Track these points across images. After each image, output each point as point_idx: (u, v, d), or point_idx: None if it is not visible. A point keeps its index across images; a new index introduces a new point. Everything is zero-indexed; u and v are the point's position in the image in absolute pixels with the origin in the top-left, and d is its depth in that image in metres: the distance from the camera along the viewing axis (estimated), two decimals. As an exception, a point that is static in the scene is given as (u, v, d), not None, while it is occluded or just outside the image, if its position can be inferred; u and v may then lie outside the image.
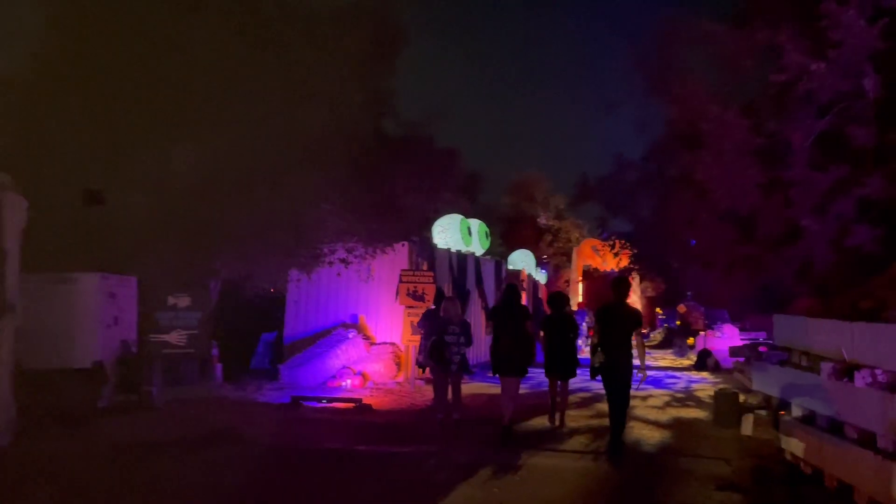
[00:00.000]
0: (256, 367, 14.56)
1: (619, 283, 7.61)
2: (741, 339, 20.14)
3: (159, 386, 10.79)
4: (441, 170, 13.12)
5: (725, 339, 21.61)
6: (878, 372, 4.36)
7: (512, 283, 10.51)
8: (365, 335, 13.69)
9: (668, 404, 12.03)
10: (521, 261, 22.48)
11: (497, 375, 8.85)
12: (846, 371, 4.79)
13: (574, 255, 36.37)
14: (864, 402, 4.53)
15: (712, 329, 21.20)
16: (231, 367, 13.32)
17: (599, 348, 7.29)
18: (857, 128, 6.59)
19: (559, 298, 10.10)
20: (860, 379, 4.45)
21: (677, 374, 17.22)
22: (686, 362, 20.42)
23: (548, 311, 10.24)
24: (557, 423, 9.62)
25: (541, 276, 28.30)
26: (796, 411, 5.76)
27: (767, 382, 6.37)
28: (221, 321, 13.18)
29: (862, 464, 4.58)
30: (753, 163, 7.48)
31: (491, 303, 17.15)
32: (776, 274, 7.88)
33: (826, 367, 4.96)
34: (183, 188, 10.32)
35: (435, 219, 15.90)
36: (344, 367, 12.99)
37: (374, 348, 13.44)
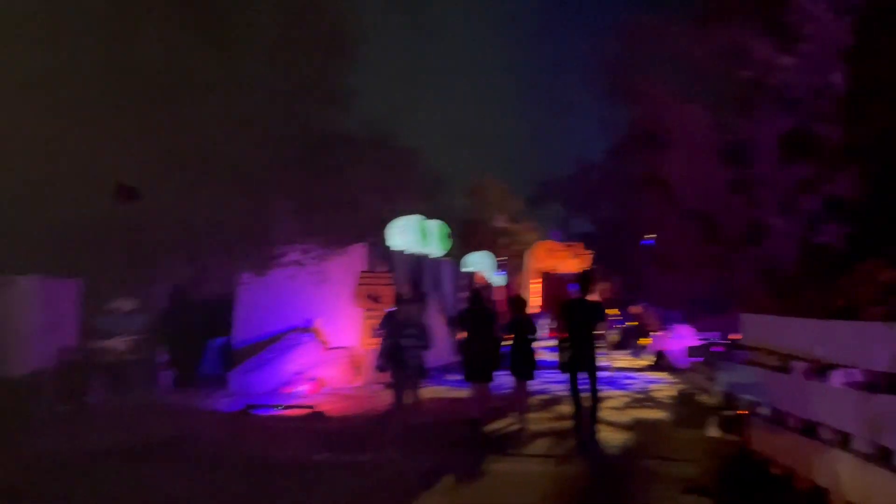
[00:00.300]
0: (206, 373, 13.99)
1: (584, 277, 7.65)
2: (696, 340, 20.32)
3: (102, 394, 10.24)
4: (400, 170, 12.82)
5: (681, 339, 21.80)
6: (854, 371, 4.24)
7: (478, 287, 10.93)
8: (320, 339, 13.27)
9: (627, 405, 11.93)
10: (479, 263, 22.29)
11: (469, 381, 9.10)
12: (820, 371, 4.67)
13: (529, 258, 36.41)
14: (840, 403, 4.40)
15: (667, 329, 21.35)
16: (179, 374, 12.77)
17: (567, 343, 7.34)
18: (825, 125, 6.57)
19: (519, 301, 10.18)
20: (836, 379, 4.32)
21: (634, 374, 17.21)
22: (642, 363, 20.46)
23: (508, 313, 10.16)
24: (521, 422, 9.65)
25: (498, 279, 28.17)
26: (766, 412, 5.64)
27: (735, 383, 6.26)
28: (169, 326, 12.64)
29: (838, 466, 4.46)
30: (720, 161, 7.40)
31: (449, 305, 16.89)
32: (742, 273, 7.81)
33: (799, 366, 4.84)
34: (127, 185, 9.83)
35: (392, 219, 15.58)
36: (298, 373, 12.56)
37: (329, 352, 13.04)
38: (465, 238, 30.57)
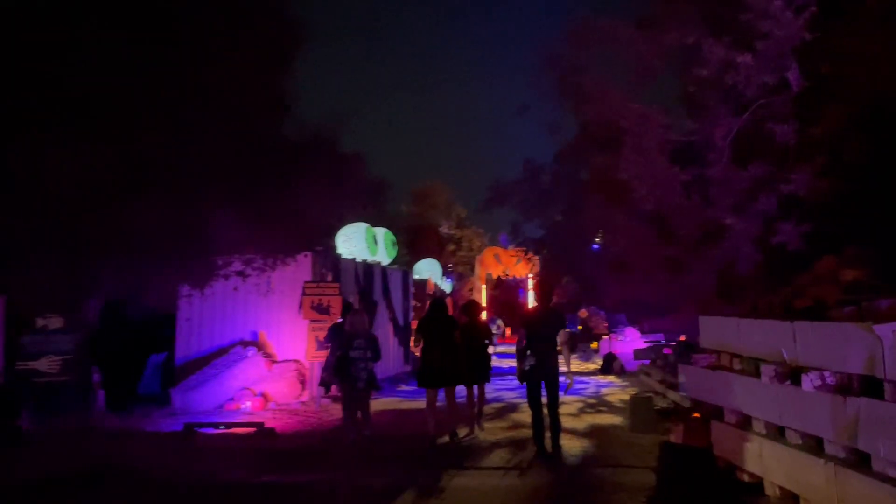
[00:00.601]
0: (145, 392, 13.28)
1: (542, 286, 7.59)
2: (644, 342, 20.48)
3: (30, 419, 9.53)
4: (345, 176, 12.40)
5: (629, 342, 21.95)
6: (826, 374, 4.10)
7: (439, 295, 11.06)
8: (266, 353, 12.75)
9: (582, 411, 11.81)
10: (428, 270, 22.03)
11: (423, 388, 9.05)
12: (789, 374, 4.54)
13: (477, 264, 36.36)
14: (812, 407, 4.27)
15: (615, 333, 21.49)
16: (116, 394, 12.05)
17: (528, 352, 7.20)
18: (779, 124, 6.53)
19: (474, 307, 10.26)
20: (808, 382, 4.18)
21: (585, 378, 17.18)
22: (592, 366, 20.51)
23: (462, 319, 10.24)
24: (478, 429, 9.63)
25: (446, 286, 27.96)
26: (730, 417, 5.51)
27: (696, 387, 6.12)
28: (103, 343, 11.93)
29: (810, 471, 4.32)
30: (674, 161, 7.31)
31: (398, 313, 16.56)
32: (698, 275, 7.74)
33: (767, 369, 4.70)
34: (57, 195, 9.17)
35: (339, 227, 15.16)
36: (243, 389, 12.02)
37: (275, 367, 12.54)
38: (412, 245, 30.28)
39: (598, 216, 9.19)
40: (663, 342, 19.08)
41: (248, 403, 11.73)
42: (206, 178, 10.79)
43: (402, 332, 16.72)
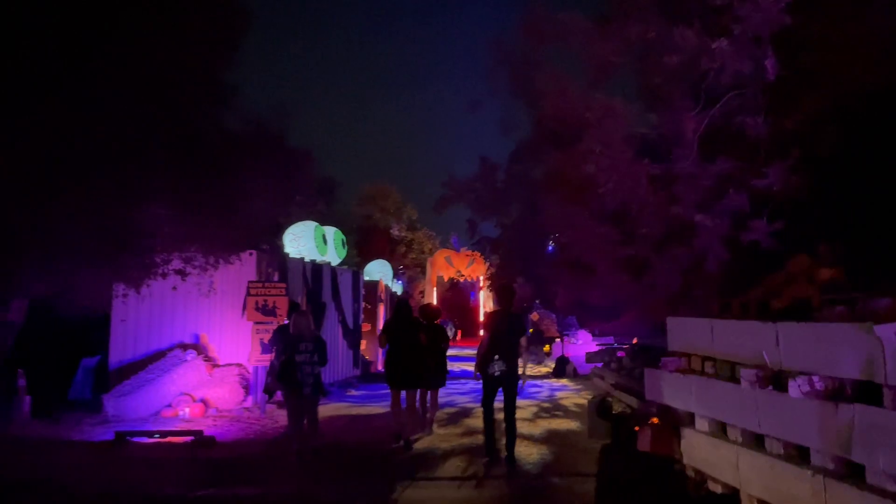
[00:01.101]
0: (75, 398, 12.40)
1: (505, 290, 7.44)
2: (596, 346, 20.34)
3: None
4: (292, 171, 11.78)
5: (581, 345, 21.81)
6: (815, 379, 3.79)
7: (404, 298, 11.35)
8: (207, 356, 12.02)
9: (537, 415, 11.47)
10: (379, 271, 21.43)
11: (392, 388, 9.03)
12: (771, 378, 4.23)
13: (428, 266, 35.94)
14: (798, 414, 3.94)
15: (567, 335, 21.32)
16: (43, 400, 11.18)
17: (496, 356, 7.14)
18: (750, 116, 6.28)
19: (432, 311, 10.20)
20: (795, 387, 3.86)
21: (539, 382, 16.89)
22: (544, 370, 20.26)
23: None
24: (428, 431, 9.63)
25: (397, 287, 27.41)
26: (702, 424, 5.18)
27: (664, 392, 5.79)
28: (30, 345, 11.07)
29: (793, 483, 3.99)
30: (637, 157, 6.98)
31: (348, 315, 15.97)
32: (663, 275, 7.44)
33: (747, 374, 4.38)
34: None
35: (287, 225, 14.50)
36: (182, 394, 11.28)
37: (217, 371, 11.83)
38: (363, 246, 29.64)
39: (556, 215, 8.86)
40: (616, 345, 18.98)
41: (187, 410, 11.01)
42: (142, 170, 10.09)
43: (351, 335, 16.13)
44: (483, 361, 7.30)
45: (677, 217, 7.05)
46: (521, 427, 10.21)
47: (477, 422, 10.73)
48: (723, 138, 6.84)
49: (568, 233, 8.64)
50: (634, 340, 18.14)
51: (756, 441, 4.56)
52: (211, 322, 12.30)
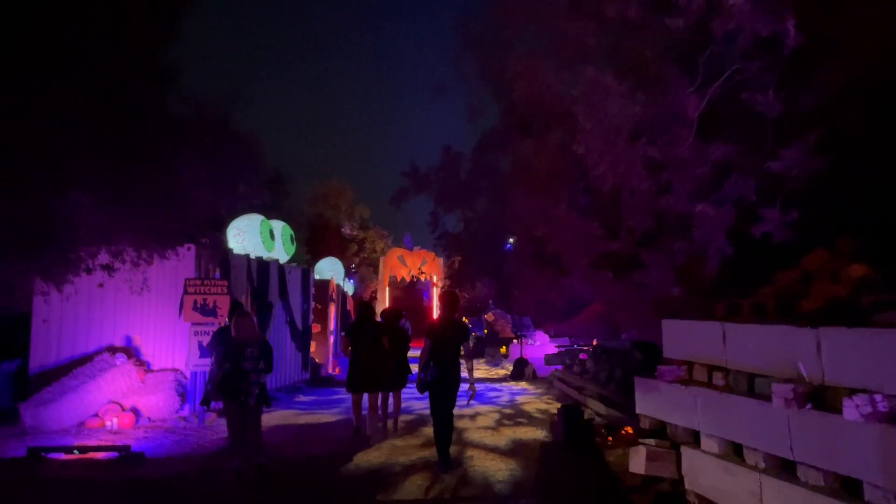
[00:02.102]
0: (-8, 406, 11.07)
1: (449, 297, 7.53)
2: (555, 347, 19.67)
3: None
4: (236, 158, 10.69)
5: (539, 346, 21.12)
6: (877, 398, 3.06)
7: (366, 301, 11.71)
8: (139, 360, 10.83)
9: (499, 423, 10.65)
10: (330, 270, 20.35)
11: (352, 393, 9.14)
12: (810, 395, 3.49)
13: (381, 265, 34.92)
14: (851, 440, 3.21)
15: (525, 336, 20.60)
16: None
17: (431, 363, 7.10)
18: (760, 93, 5.57)
19: (394, 313, 10.09)
20: (852, 408, 3.12)
21: (496, 385, 16.12)
22: (501, 372, 19.52)
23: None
24: (394, 431, 9.52)
25: (349, 287, 26.34)
26: (710, 444, 4.43)
27: (659, 405, 5.03)
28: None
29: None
30: (626, 141, 6.20)
31: (297, 316, 14.90)
32: (657, 272, 6.68)
33: (780, 389, 3.63)
34: None
35: (230, 219, 13.35)
36: (110, 403, 10.09)
37: (150, 376, 10.65)
38: (313, 244, 28.45)
39: (528, 208, 8.05)
40: (575, 347, 18.34)
41: (115, 420, 9.83)
42: (65, 152, 8.93)
43: (300, 337, 15.05)
44: (424, 367, 7.21)
45: (671, 207, 6.30)
46: (484, 436, 9.39)
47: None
48: (726, 118, 6.12)
49: (542, 227, 7.84)
50: (594, 342, 17.53)
51: (784, 468, 3.81)
52: (144, 323, 11.11)
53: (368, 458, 8.19)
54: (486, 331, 28.60)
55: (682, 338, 5.02)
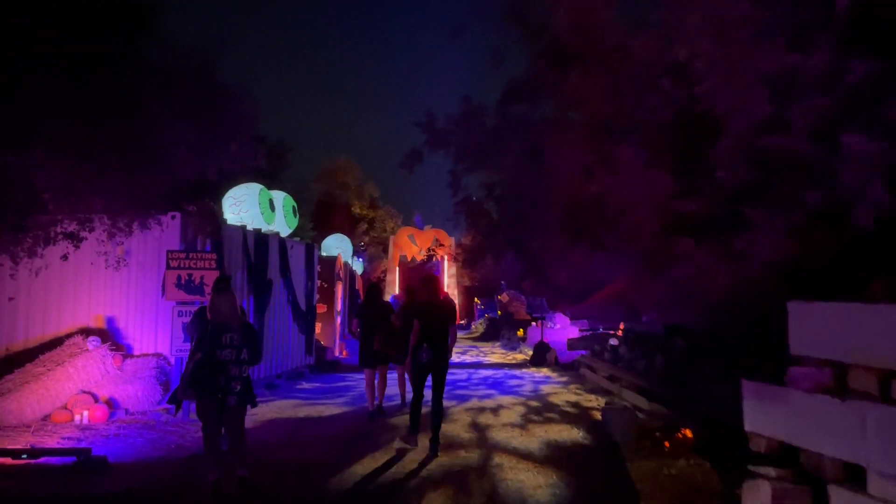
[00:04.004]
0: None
1: (429, 281, 7.61)
2: (578, 331, 18.11)
3: None
4: (227, 115, 9.09)
5: (559, 329, 19.57)
6: None
7: (374, 281, 12.27)
8: (116, 344, 9.33)
9: (527, 419, 9.12)
10: (337, 247, 18.85)
11: (365, 369, 9.25)
12: None
13: (391, 245, 33.43)
14: None
15: (545, 319, 18.99)
16: None
17: (425, 344, 7.20)
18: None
19: (412, 293, 9.45)
20: None
21: (516, 372, 14.58)
22: (519, 356, 17.97)
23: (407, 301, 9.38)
24: (403, 407, 9.39)
25: (357, 265, 24.82)
26: (885, 487, 2.89)
27: (793, 424, 3.48)
28: None
29: None
30: (762, 44, 4.53)
31: (300, 295, 13.38)
32: (764, 237, 5.05)
33: None
34: None
35: (223, 186, 11.80)
36: (81, 393, 8.62)
37: (129, 363, 9.15)
38: (320, 222, 26.92)
39: (570, 161, 6.45)
40: (601, 330, 16.76)
41: (86, 413, 8.36)
42: (24, 104, 7.43)
43: (304, 318, 13.54)
44: (417, 349, 7.28)
45: (789, 147, 4.63)
46: (513, 437, 7.88)
47: (456, 428, 8.37)
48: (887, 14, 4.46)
49: (597, 183, 6.21)
50: (621, 325, 15.96)
51: None
52: (124, 302, 9.60)
53: (376, 464, 6.68)
54: (499, 312, 27.08)
55: (830, 328, 3.45)
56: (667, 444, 6.92)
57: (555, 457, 6.94)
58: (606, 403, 7.72)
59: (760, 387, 3.84)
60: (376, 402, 9.08)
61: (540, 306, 25.27)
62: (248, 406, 5.89)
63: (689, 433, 7.07)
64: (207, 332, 5.62)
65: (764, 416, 3.78)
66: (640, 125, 5.49)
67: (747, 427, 3.95)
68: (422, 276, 8.03)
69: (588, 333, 16.71)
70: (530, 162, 8.18)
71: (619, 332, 15.17)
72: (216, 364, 5.53)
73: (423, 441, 7.24)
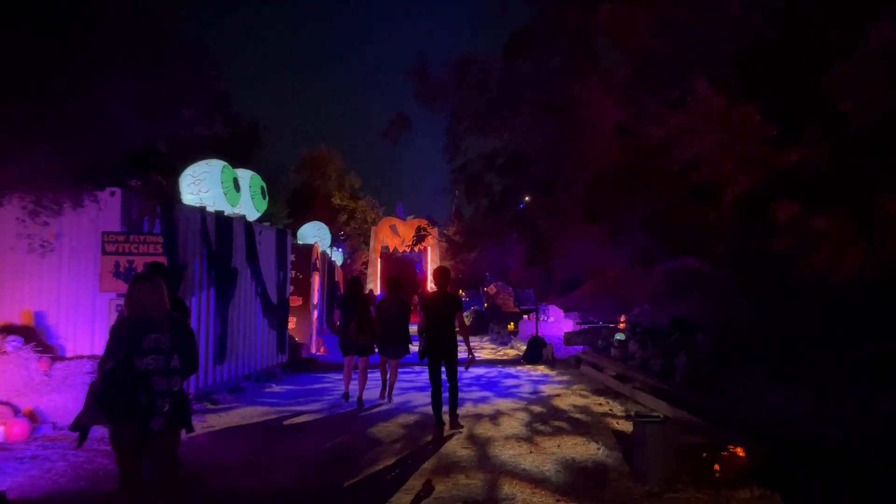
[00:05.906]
0: None
1: (441, 272, 7.79)
2: (574, 324, 16.71)
3: None
4: (177, 72, 7.51)
5: (553, 322, 18.17)
6: None
7: (355, 276, 11.72)
8: (45, 345, 7.71)
9: (533, 429, 7.70)
10: (315, 235, 17.29)
11: (344, 356, 9.18)
12: None
13: (372, 235, 31.90)
14: None
15: (537, 312, 17.51)
16: None
17: (426, 334, 7.45)
18: None
19: (396, 282, 9.74)
20: None
21: (511, 370, 13.14)
22: (511, 352, 16.51)
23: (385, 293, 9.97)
24: (387, 399, 9.37)
25: (337, 256, 23.25)
26: None
27: None
28: None
29: None
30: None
31: (270, 286, 11.82)
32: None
33: None
34: None
35: (173, 157, 10.18)
36: (-2, 404, 7.03)
37: (59, 367, 7.53)
38: (298, 210, 25.26)
39: (612, 106, 5.01)
40: (601, 324, 15.37)
41: (1, 429, 6.77)
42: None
43: (275, 312, 11.97)
44: (421, 338, 7.59)
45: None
46: (521, 456, 6.43)
47: (448, 443, 6.90)
48: None
49: (656, 128, 4.74)
50: (623, 318, 14.59)
51: None
52: (55, 295, 7.99)
53: (361, 492, 5.21)
54: (486, 304, 25.62)
55: None
56: (717, 466, 5.51)
57: (578, 486, 5.50)
58: (637, 414, 6.28)
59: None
60: (357, 395, 9.02)
61: (528, 298, 23.87)
62: (183, 430, 4.36)
63: (740, 452, 5.68)
64: (120, 333, 4.09)
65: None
66: (702, 59, 4.09)
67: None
68: (435, 269, 8.11)
69: (586, 327, 15.33)
70: (550, 118, 6.70)
71: (622, 326, 13.79)
72: (134, 376, 4.00)
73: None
